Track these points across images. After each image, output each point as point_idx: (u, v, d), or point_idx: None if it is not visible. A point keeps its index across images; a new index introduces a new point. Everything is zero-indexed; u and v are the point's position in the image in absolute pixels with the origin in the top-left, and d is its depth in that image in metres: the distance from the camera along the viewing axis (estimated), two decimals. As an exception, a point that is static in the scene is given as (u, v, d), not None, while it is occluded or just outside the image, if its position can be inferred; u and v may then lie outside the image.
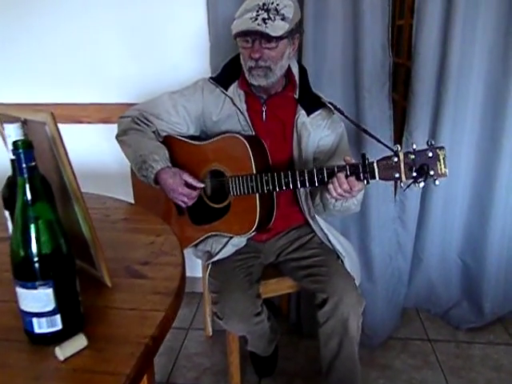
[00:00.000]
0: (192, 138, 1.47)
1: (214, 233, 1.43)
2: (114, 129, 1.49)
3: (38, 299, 0.66)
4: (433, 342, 1.86)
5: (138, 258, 0.95)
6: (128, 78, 1.90)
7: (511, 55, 1.63)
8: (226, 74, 1.42)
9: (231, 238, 1.41)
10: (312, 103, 1.40)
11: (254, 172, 1.31)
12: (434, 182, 1.14)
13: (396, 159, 1.15)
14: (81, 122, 1.94)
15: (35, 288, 0.66)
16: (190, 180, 1.34)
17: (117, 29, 1.84)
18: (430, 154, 1.12)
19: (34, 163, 0.64)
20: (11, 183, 0.84)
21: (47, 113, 0.71)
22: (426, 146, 1.13)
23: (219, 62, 1.53)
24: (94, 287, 0.84)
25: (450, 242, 1.93)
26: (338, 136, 1.43)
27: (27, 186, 0.64)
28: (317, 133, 1.40)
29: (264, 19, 1.23)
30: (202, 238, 1.46)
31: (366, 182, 1.18)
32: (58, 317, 0.68)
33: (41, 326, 0.68)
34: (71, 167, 0.74)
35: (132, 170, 1.44)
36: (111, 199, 1.29)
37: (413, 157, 1.13)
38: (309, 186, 1.27)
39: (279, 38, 1.26)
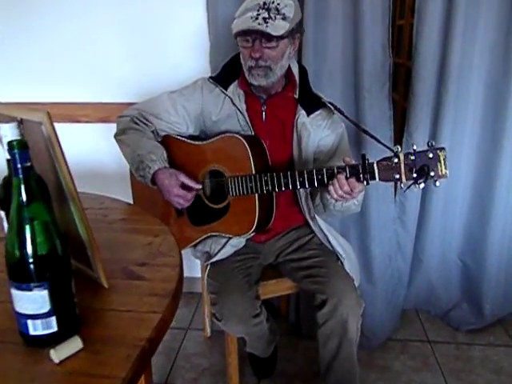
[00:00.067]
0: (191, 137, 1.46)
1: (213, 233, 1.42)
2: (112, 128, 1.48)
3: (32, 301, 0.66)
4: (432, 343, 1.86)
5: (136, 259, 0.94)
6: (127, 77, 1.89)
7: (512, 55, 1.62)
8: (226, 74, 1.41)
9: (230, 238, 1.40)
10: (312, 103, 1.39)
11: (254, 172, 1.30)
12: (435, 183, 1.13)
13: (396, 160, 1.14)
14: (79, 122, 1.93)
15: (30, 289, 0.65)
16: (187, 181, 1.33)
17: (116, 28, 1.83)
18: (431, 155, 1.11)
19: (29, 163, 0.63)
20: (7, 183, 0.83)
21: (43, 112, 0.70)
22: (426, 147, 1.13)
23: (219, 61, 1.53)
24: (90, 288, 0.83)
25: (450, 242, 1.92)
26: (339, 136, 1.42)
27: (22, 187, 0.63)
28: (317, 133, 1.39)
29: (265, 18, 1.22)
30: (200, 239, 1.45)
31: (365, 182, 1.17)
32: (53, 319, 0.67)
33: (36, 328, 0.67)
34: (67, 167, 0.73)
35: (131, 170, 1.43)
36: (109, 199, 1.29)
37: (413, 158, 1.12)
38: (308, 186, 1.26)
39: (280, 38, 1.26)
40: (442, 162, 1.12)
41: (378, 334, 1.83)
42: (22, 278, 0.65)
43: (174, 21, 1.81)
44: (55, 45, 1.88)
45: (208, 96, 1.41)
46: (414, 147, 1.13)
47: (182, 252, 1.51)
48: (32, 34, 1.89)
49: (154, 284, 0.85)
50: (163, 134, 1.44)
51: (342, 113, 1.37)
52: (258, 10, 1.23)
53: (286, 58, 1.32)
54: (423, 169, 1.12)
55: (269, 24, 1.22)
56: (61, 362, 0.65)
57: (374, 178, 1.16)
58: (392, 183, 1.22)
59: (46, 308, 0.66)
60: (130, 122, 1.40)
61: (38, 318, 0.66)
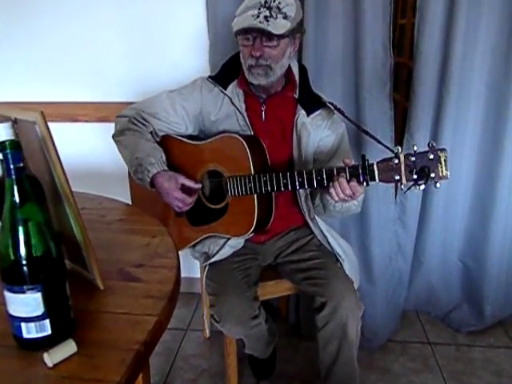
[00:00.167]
0: (190, 137, 1.45)
1: (211, 234, 1.41)
2: (112, 128, 1.47)
3: (26, 304, 0.65)
4: (433, 345, 1.84)
5: (133, 260, 0.93)
6: (127, 76, 1.88)
7: (514, 57, 1.61)
8: (225, 73, 1.40)
9: (229, 239, 1.39)
10: (312, 103, 1.38)
11: (253, 172, 1.29)
12: (435, 185, 1.12)
13: (396, 161, 1.13)
14: (78, 121, 1.92)
15: (23, 292, 0.64)
16: (187, 182, 1.32)
17: (116, 27, 1.83)
18: (431, 156, 1.10)
19: (22, 164, 0.62)
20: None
21: (37, 112, 0.69)
22: (427, 148, 1.11)
23: (218, 60, 1.52)
24: (86, 290, 0.82)
25: (451, 243, 1.91)
26: (339, 136, 1.41)
27: (15, 188, 0.62)
28: (317, 133, 1.38)
29: (266, 17, 1.21)
30: (199, 239, 1.44)
31: (365, 183, 1.16)
32: (47, 322, 0.66)
33: (29, 331, 0.66)
34: (62, 168, 0.72)
35: (129, 171, 1.42)
36: (107, 199, 1.28)
37: (413, 159, 1.11)
38: (307, 187, 1.25)
39: (281, 37, 1.25)
40: (443, 163, 1.10)
41: (378, 335, 1.82)
42: (15, 280, 0.64)
43: (173, 20, 1.80)
44: (55, 44, 1.87)
45: (207, 95, 1.40)
46: (415, 148, 1.12)
47: (181, 252, 1.51)
48: (32, 34, 1.88)
49: (150, 286, 0.83)
50: (162, 134, 1.43)
51: (342, 113, 1.36)
52: (260, 9, 1.22)
53: (287, 57, 1.31)
54: (424, 170, 1.11)
55: (270, 22, 1.21)
56: (54, 365, 0.64)
57: (373, 179, 1.15)
58: (392, 184, 1.21)
59: (40, 311, 0.65)
60: (128, 122, 1.39)
61: (31, 321, 0.65)
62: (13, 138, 0.72)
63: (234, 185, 1.31)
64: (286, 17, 1.23)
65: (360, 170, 1.15)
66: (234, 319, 1.29)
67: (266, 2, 1.22)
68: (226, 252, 1.39)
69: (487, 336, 1.88)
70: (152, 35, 1.82)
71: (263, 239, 1.48)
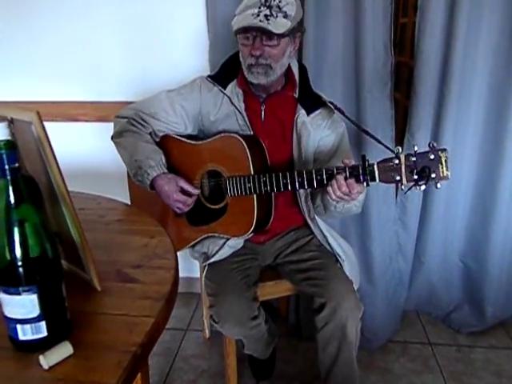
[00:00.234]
0: (190, 137, 1.45)
1: (211, 234, 1.41)
2: (111, 127, 1.47)
3: (21, 305, 0.64)
4: (433, 345, 1.84)
5: (131, 261, 0.93)
6: (126, 75, 1.87)
7: (516, 57, 1.60)
8: (225, 73, 1.39)
9: (228, 239, 1.38)
10: (312, 102, 1.37)
11: (252, 173, 1.29)
12: (436, 185, 1.11)
13: (397, 161, 1.12)
14: (78, 121, 1.92)
15: (19, 294, 0.63)
16: (186, 186, 1.32)
17: (115, 27, 1.82)
18: (432, 157, 1.09)
19: (17, 164, 0.62)
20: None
21: (33, 112, 0.68)
22: (427, 148, 1.11)
23: (218, 59, 1.51)
24: (83, 291, 0.82)
25: (452, 243, 1.90)
26: (339, 136, 1.40)
27: (10, 189, 0.62)
28: (317, 133, 1.37)
29: (266, 16, 1.21)
30: (198, 239, 1.44)
31: (365, 184, 1.15)
32: (42, 323, 0.65)
33: (25, 333, 0.65)
34: (58, 168, 0.72)
35: (129, 173, 1.42)
36: (106, 199, 1.27)
37: (414, 159, 1.10)
38: (307, 187, 1.24)
39: (281, 36, 1.24)
40: (444, 163, 1.10)
41: (379, 335, 1.82)
42: (11, 281, 0.63)
43: (173, 19, 1.79)
44: (54, 44, 1.87)
45: (206, 95, 1.39)
46: (415, 148, 1.11)
47: (181, 252, 1.51)
48: (31, 33, 1.87)
49: (148, 287, 0.83)
50: (161, 134, 1.42)
51: (342, 112, 1.35)
52: (260, 7, 1.21)
53: (287, 56, 1.31)
54: (424, 170, 1.10)
55: (270, 21, 1.20)
56: (50, 367, 0.63)
57: (374, 179, 1.14)
58: (393, 184, 1.21)
59: (36, 313, 0.64)
60: (126, 123, 1.39)
61: (27, 323, 0.65)
62: (8, 138, 0.72)
63: (233, 185, 1.31)
64: (286, 16, 1.22)
65: (360, 170, 1.14)
66: (233, 320, 1.29)
67: (266, 1, 1.21)
68: (225, 252, 1.38)
69: (488, 337, 1.87)
70: (152, 35, 1.82)
71: (263, 239, 1.47)
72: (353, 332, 1.27)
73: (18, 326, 0.65)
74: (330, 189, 1.16)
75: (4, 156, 0.60)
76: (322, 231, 1.42)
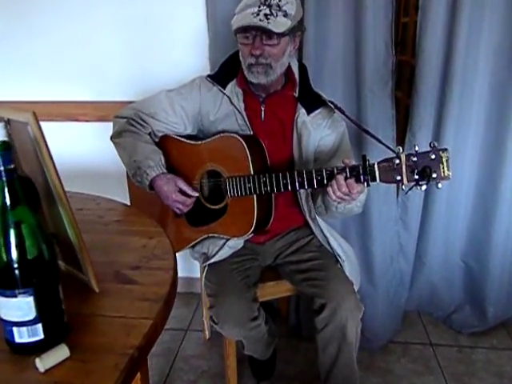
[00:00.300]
0: (189, 137, 1.44)
1: (211, 234, 1.40)
2: (111, 127, 1.46)
3: (17, 308, 0.63)
4: (434, 346, 1.83)
5: (129, 262, 0.92)
6: (126, 75, 1.87)
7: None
8: (224, 72, 1.38)
9: (228, 239, 1.38)
10: (312, 102, 1.37)
11: (252, 173, 1.28)
12: (437, 185, 1.10)
13: (397, 161, 1.11)
14: (78, 120, 1.91)
15: (15, 296, 0.63)
16: (185, 188, 1.32)
17: (115, 26, 1.81)
18: (433, 157, 1.09)
19: (12, 166, 0.61)
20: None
21: (29, 112, 0.68)
22: (428, 148, 1.10)
23: (218, 58, 1.50)
24: (81, 293, 0.81)
25: (453, 244, 1.89)
26: (339, 135, 1.39)
27: (6, 190, 0.61)
28: (317, 132, 1.36)
29: (266, 15, 1.20)
30: (198, 240, 1.43)
31: (366, 184, 1.14)
32: (39, 326, 0.65)
33: (21, 336, 0.65)
34: (55, 169, 0.71)
35: (128, 173, 1.41)
36: (105, 200, 1.27)
37: (415, 159, 1.10)
38: (307, 187, 1.24)
39: (281, 35, 1.23)
40: (445, 163, 1.09)
41: (379, 335, 1.81)
42: (7, 284, 0.63)
43: (173, 19, 1.78)
44: (54, 43, 1.86)
45: (206, 95, 1.38)
46: (416, 148, 1.10)
47: (181, 252, 1.51)
48: (31, 33, 1.87)
49: (146, 288, 0.82)
50: (160, 134, 1.42)
51: (342, 112, 1.34)
52: (259, 6, 1.21)
53: (287, 55, 1.30)
54: (425, 170, 1.09)
55: (270, 20, 1.20)
56: (46, 370, 0.62)
57: (374, 179, 1.13)
58: (394, 184, 1.20)
59: (32, 315, 0.64)
60: (126, 123, 1.38)
61: (23, 326, 0.64)
62: (4, 138, 0.71)
63: (233, 185, 1.30)
64: (286, 15, 1.21)
65: (360, 170, 1.14)
66: (233, 321, 1.28)
67: (266, 0, 1.21)
68: (225, 253, 1.37)
69: (490, 337, 1.86)
70: (152, 34, 1.81)
71: (263, 240, 1.46)
72: (353, 333, 1.26)
73: (15, 329, 0.65)
74: (329, 189, 1.16)
75: (-1, 157, 0.59)
76: (322, 231, 1.41)
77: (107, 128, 1.51)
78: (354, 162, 1.16)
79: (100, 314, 0.76)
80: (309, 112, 1.35)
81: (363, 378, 1.62)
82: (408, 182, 1.11)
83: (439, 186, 1.10)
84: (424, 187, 1.11)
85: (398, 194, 1.80)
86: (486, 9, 1.55)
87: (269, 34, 1.21)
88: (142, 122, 1.39)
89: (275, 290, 1.47)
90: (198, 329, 1.92)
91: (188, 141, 1.40)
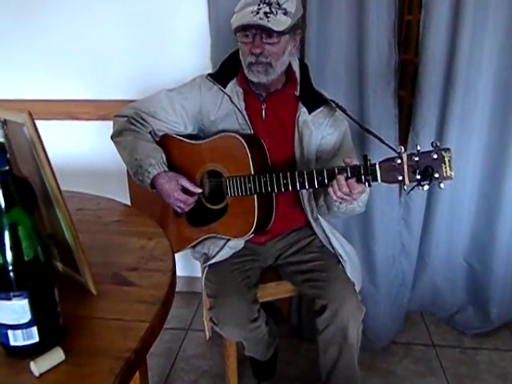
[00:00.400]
0: (190, 136, 1.43)
1: (211, 235, 1.39)
2: (112, 126, 1.46)
3: (12, 311, 0.63)
4: (437, 347, 1.81)
5: (127, 264, 0.92)
6: (128, 74, 1.86)
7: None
8: (225, 71, 1.37)
9: (229, 240, 1.37)
10: (313, 100, 1.35)
11: (252, 172, 1.27)
12: (439, 185, 1.09)
13: (399, 161, 1.10)
14: (79, 119, 1.91)
15: (9, 299, 0.62)
16: (187, 185, 1.30)
17: (117, 25, 1.80)
18: (435, 156, 1.07)
19: (7, 167, 0.60)
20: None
21: (25, 113, 0.67)
22: (430, 148, 1.08)
23: (220, 57, 1.49)
24: (78, 294, 0.81)
25: (456, 244, 1.88)
26: (341, 134, 1.38)
27: (0, 192, 0.60)
28: (319, 131, 1.35)
29: (266, 13, 1.19)
30: (199, 240, 1.42)
31: (367, 184, 1.13)
32: (34, 329, 0.64)
33: (16, 339, 0.64)
34: (52, 170, 0.70)
35: (129, 172, 1.41)
36: (105, 199, 1.26)
37: (417, 159, 1.08)
38: (308, 187, 1.23)
39: (281, 33, 1.22)
40: (447, 163, 1.07)
41: (381, 336, 1.80)
42: (1, 286, 0.62)
43: (174, 17, 1.77)
44: (56, 42, 1.86)
45: (206, 94, 1.37)
46: (418, 148, 1.09)
47: (182, 252, 1.50)
48: (33, 31, 1.86)
49: (144, 291, 0.81)
50: (161, 133, 1.41)
51: (344, 111, 1.33)
52: (259, 5, 1.19)
53: (287, 54, 1.29)
54: (427, 170, 1.08)
55: (270, 19, 1.18)
56: (41, 374, 0.62)
57: (376, 179, 1.12)
58: (395, 184, 1.19)
59: (27, 318, 0.63)
60: (126, 122, 1.37)
61: (18, 329, 0.64)
62: (2, 139, 0.71)
63: (233, 185, 1.29)
64: (286, 13, 1.20)
65: (362, 171, 1.12)
66: (233, 322, 1.28)
67: None
68: (225, 253, 1.37)
69: (493, 339, 1.84)
70: (153, 33, 1.80)
71: (264, 240, 1.45)
72: (354, 334, 1.25)
73: (9, 332, 0.64)
74: (330, 189, 1.14)
75: (-7, 159, 0.59)
76: (324, 231, 1.40)
77: (108, 127, 1.51)
78: (355, 162, 1.15)
79: (97, 317, 0.76)
80: (310, 111, 1.34)
81: (365, 378, 1.61)
82: (410, 182, 1.10)
83: (441, 186, 1.09)
84: (426, 187, 1.10)
85: (400, 194, 1.79)
86: (489, 8, 1.53)
87: (269, 32, 1.20)
88: (142, 121, 1.38)
89: (276, 291, 1.46)
90: (199, 328, 1.91)
91: (188, 140, 1.39)
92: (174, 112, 1.38)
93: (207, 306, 1.42)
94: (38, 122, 0.70)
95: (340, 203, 1.23)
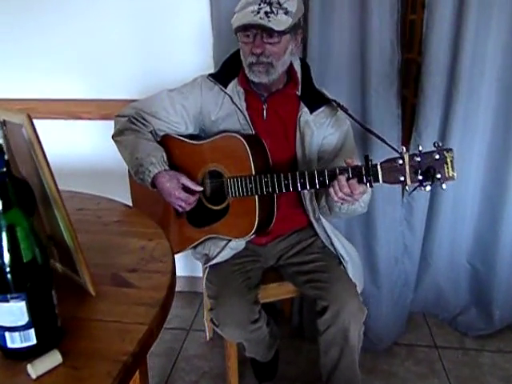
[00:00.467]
0: (191, 136, 1.43)
1: (212, 235, 1.39)
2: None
3: (10, 313, 0.63)
4: (440, 348, 1.80)
5: (127, 265, 0.91)
6: (130, 73, 1.86)
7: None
8: (226, 71, 1.37)
9: (230, 240, 1.36)
10: (315, 100, 1.34)
11: (254, 173, 1.26)
12: (441, 186, 1.08)
13: (401, 161, 1.09)
14: (81, 119, 1.91)
15: (7, 301, 0.62)
16: (188, 183, 1.30)
17: (119, 25, 1.80)
18: (437, 157, 1.06)
19: (4, 169, 0.60)
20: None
21: (24, 114, 0.66)
22: (433, 148, 1.07)
23: (222, 57, 1.48)
24: (77, 296, 0.80)
25: (459, 245, 1.86)
26: (343, 134, 1.37)
27: (-3, 193, 0.60)
28: (320, 131, 1.34)
29: (267, 13, 1.18)
30: (200, 240, 1.42)
31: (369, 185, 1.12)
32: (31, 331, 0.64)
33: (14, 341, 0.64)
34: (51, 172, 0.70)
35: (130, 172, 1.40)
36: (105, 199, 1.26)
37: (418, 159, 1.07)
38: (310, 188, 1.22)
39: (282, 33, 1.21)
40: (449, 163, 1.06)
41: (384, 337, 1.79)
42: (-2, 288, 0.62)
43: (177, 16, 1.77)
44: (57, 41, 1.86)
45: (207, 94, 1.37)
46: (420, 148, 1.08)
47: (184, 253, 1.50)
48: (35, 30, 1.86)
49: (143, 292, 0.81)
50: (162, 133, 1.41)
51: (345, 111, 1.32)
52: (260, 4, 1.19)
53: (288, 54, 1.28)
54: (429, 171, 1.07)
55: (271, 18, 1.18)
56: (38, 377, 0.62)
57: (377, 180, 1.11)
58: (397, 185, 1.18)
59: (24, 320, 0.63)
60: (127, 122, 1.37)
61: (15, 331, 0.63)
62: (1, 139, 0.70)
63: (234, 185, 1.29)
64: (287, 12, 1.19)
65: (363, 171, 1.11)
66: (234, 323, 1.27)
67: None
68: (226, 254, 1.36)
69: (496, 340, 1.83)
70: (155, 32, 1.80)
71: (265, 241, 1.44)
72: (355, 336, 1.25)
73: (7, 334, 0.64)
74: (331, 190, 1.14)
75: (-10, 160, 0.58)
76: (326, 232, 1.40)
77: (110, 126, 1.50)
78: (356, 162, 1.14)
79: (95, 319, 0.75)
80: (311, 111, 1.33)
81: (366, 380, 1.60)
82: (411, 182, 1.09)
83: (444, 186, 1.07)
84: (428, 188, 1.09)
85: (403, 195, 1.78)
86: (493, 8, 1.52)
87: (269, 32, 1.20)
88: (143, 121, 1.38)
89: (277, 292, 1.46)
90: (201, 329, 1.90)
91: (189, 140, 1.39)
92: (174, 112, 1.37)
93: (208, 307, 1.41)
94: (39, 122, 0.69)
95: (341, 204, 1.22)
